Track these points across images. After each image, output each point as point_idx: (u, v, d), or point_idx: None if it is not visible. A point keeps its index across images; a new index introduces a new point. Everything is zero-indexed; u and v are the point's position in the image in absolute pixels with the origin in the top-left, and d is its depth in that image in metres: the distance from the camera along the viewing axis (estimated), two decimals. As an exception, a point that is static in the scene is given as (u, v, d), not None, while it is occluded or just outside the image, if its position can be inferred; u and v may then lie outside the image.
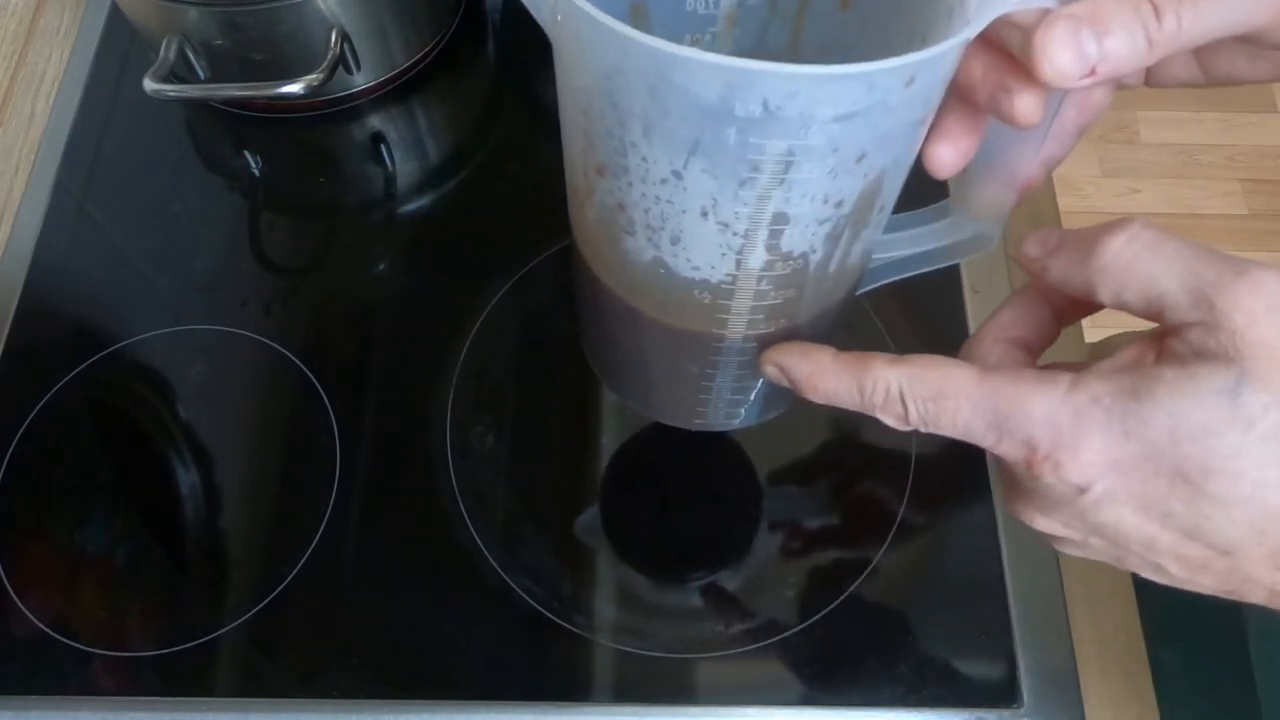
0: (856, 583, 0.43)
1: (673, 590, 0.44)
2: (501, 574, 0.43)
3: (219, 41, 0.50)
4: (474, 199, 0.53)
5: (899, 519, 0.44)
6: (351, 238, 0.52)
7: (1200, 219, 1.46)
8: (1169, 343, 0.24)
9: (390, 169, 0.55)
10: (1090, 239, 0.25)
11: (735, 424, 0.37)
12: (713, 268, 0.27)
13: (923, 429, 0.27)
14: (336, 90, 0.54)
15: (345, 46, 0.51)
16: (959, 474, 0.46)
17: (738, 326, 0.29)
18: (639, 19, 0.29)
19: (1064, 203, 0.62)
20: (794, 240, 0.26)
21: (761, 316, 0.29)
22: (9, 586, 0.43)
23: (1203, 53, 0.30)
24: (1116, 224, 0.25)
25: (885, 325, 0.49)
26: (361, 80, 0.55)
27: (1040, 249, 0.27)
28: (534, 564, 0.43)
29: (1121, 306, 0.25)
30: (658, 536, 0.45)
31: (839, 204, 0.25)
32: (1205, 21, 0.24)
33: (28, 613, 0.42)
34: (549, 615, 0.42)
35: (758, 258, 0.26)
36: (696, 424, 0.37)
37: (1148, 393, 0.23)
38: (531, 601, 0.42)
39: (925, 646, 0.42)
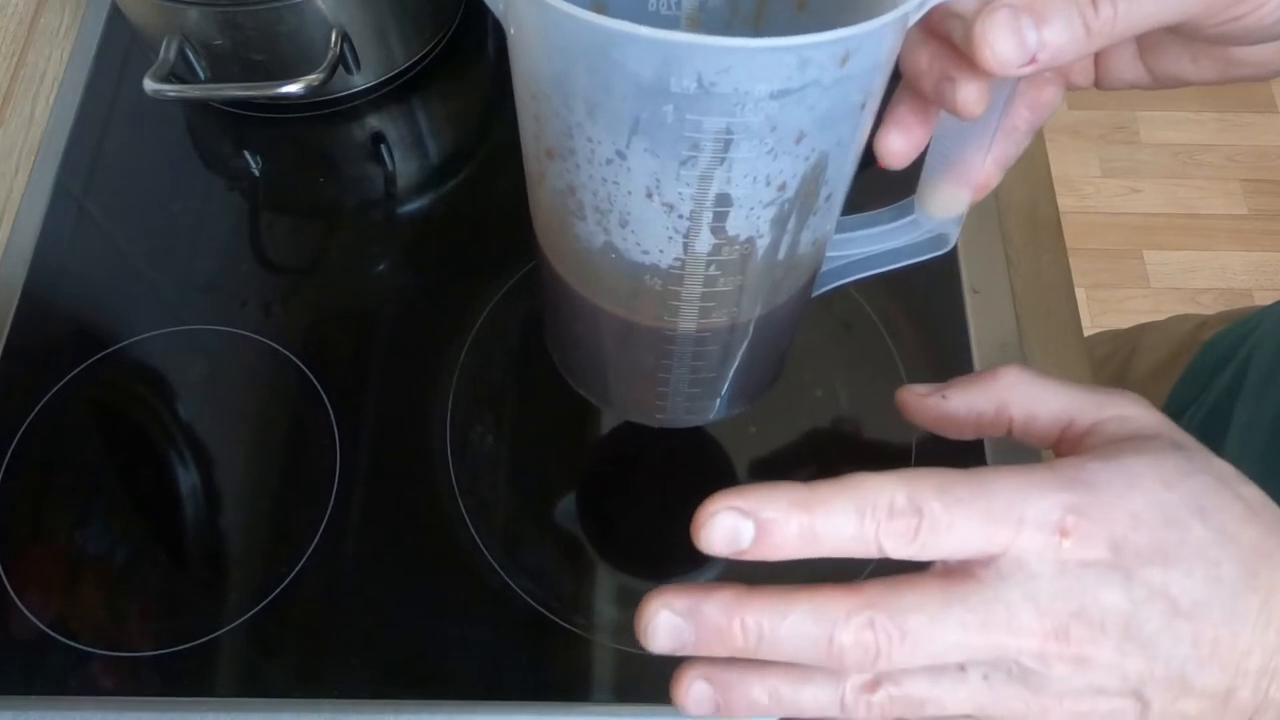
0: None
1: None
2: (501, 574, 0.43)
3: (219, 41, 0.50)
4: (474, 199, 0.53)
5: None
6: (351, 238, 0.52)
7: (1200, 219, 1.46)
8: (1086, 440, 0.27)
9: (390, 169, 0.55)
10: (981, 374, 0.30)
11: (697, 420, 0.38)
12: (661, 251, 0.27)
13: (940, 530, 0.24)
14: (336, 90, 0.54)
15: (345, 46, 0.51)
16: (960, 467, 0.45)
17: (689, 315, 0.30)
18: None
19: (1064, 202, 0.62)
20: (739, 223, 0.26)
21: (713, 305, 0.29)
22: (9, 586, 0.43)
23: (1146, 52, 0.31)
24: (999, 367, 0.30)
25: (885, 325, 0.49)
26: (361, 80, 0.55)
27: (928, 388, 0.31)
28: (534, 564, 0.43)
29: (1029, 418, 0.29)
30: (658, 536, 0.45)
31: (782, 186, 0.25)
32: (1140, 10, 0.24)
33: (28, 613, 0.42)
34: (549, 615, 0.42)
35: (704, 241, 0.26)
36: (659, 419, 0.37)
37: (1116, 454, 0.25)
38: (531, 601, 0.42)
39: (925, 646, 0.42)
